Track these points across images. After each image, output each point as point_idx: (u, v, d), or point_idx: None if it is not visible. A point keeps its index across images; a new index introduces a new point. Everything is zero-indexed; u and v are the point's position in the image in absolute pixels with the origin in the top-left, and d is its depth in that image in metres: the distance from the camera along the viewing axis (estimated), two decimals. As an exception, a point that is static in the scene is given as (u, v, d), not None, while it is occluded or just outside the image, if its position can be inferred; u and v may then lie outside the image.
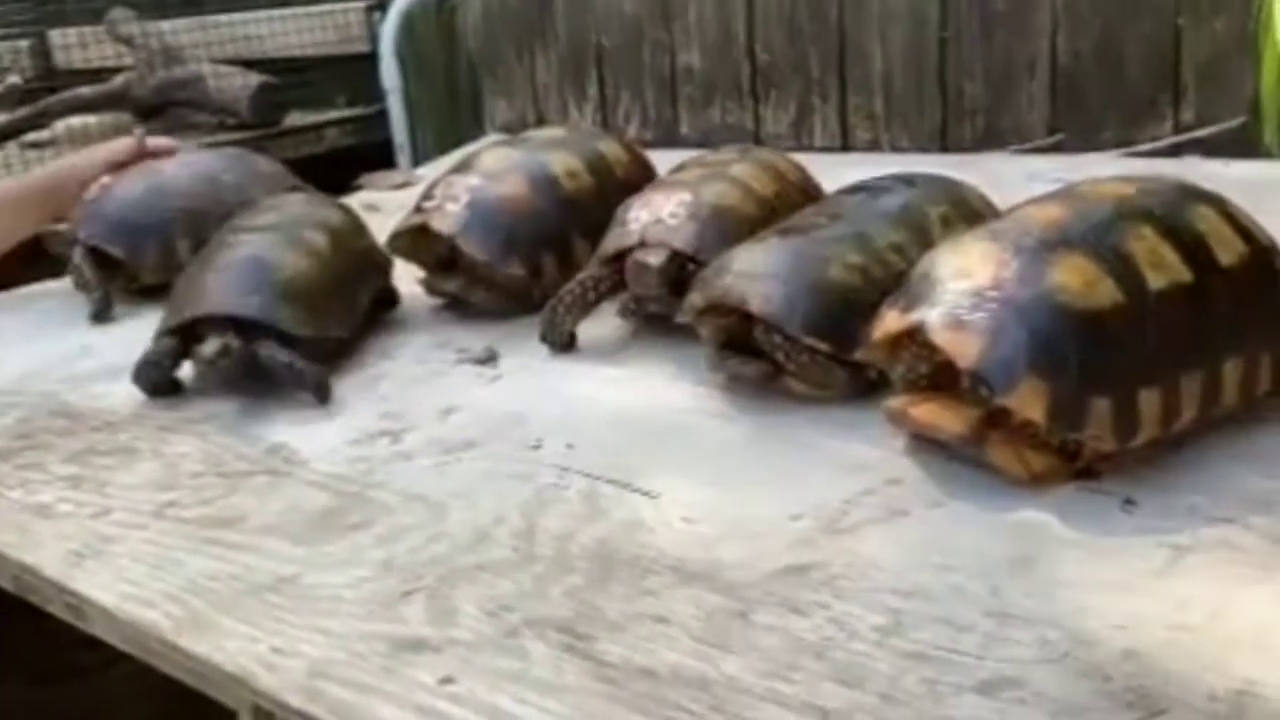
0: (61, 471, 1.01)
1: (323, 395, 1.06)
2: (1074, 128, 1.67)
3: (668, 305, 1.09)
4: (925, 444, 0.85)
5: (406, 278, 1.31)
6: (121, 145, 1.54)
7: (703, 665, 0.65)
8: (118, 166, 1.49)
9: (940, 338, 0.78)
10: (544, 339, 1.15)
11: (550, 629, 0.70)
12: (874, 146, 1.89)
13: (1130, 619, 0.65)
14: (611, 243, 1.15)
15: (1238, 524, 0.72)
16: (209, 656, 0.71)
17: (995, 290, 0.78)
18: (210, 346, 1.05)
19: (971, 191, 1.08)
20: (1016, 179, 1.45)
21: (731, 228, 1.11)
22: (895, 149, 1.86)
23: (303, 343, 1.08)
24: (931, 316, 0.79)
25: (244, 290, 1.09)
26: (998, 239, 0.81)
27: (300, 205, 1.28)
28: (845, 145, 1.92)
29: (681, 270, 1.09)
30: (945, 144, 1.80)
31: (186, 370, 1.12)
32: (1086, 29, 1.63)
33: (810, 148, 1.92)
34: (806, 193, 1.21)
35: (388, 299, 1.29)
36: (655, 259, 1.10)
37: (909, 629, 0.66)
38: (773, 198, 1.16)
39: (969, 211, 1.03)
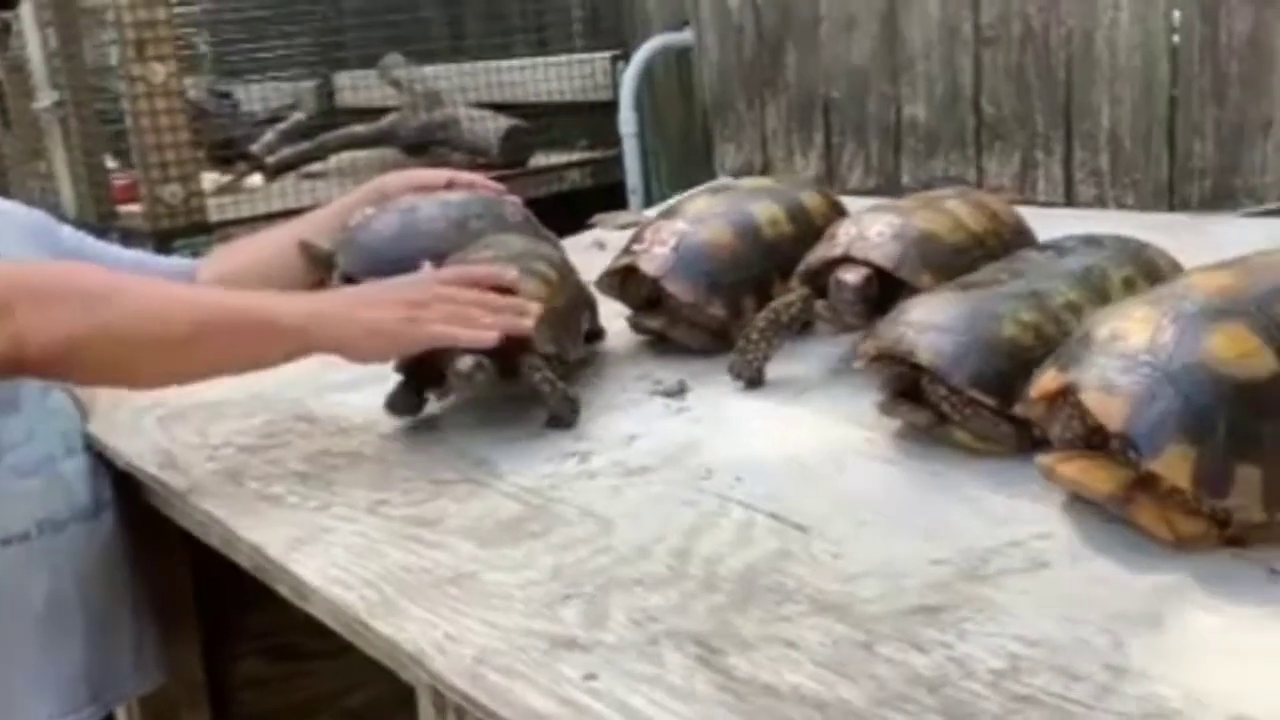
0: (296, 468, 1.15)
1: (572, 413, 1.13)
2: (1310, 192, 1.61)
3: (865, 320, 1.13)
4: (1082, 503, 0.87)
5: (615, 315, 1.40)
6: (395, 179, 1.63)
7: (820, 688, 0.70)
8: (386, 196, 1.58)
9: (1090, 399, 0.81)
10: (734, 374, 1.22)
11: (688, 641, 0.76)
12: (1099, 202, 1.86)
13: (1247, 687, 0.65)
14: (816, 254, 1.21)
15: (1385, 604, 0.71)
16: (393, 636, 0.81)
17: (1149, 355, 0.79)
18: (465, 363, 1.10)
19: (1161, 255, 1.08)
20: (1237, 243, 1.41)
21: (935, 252, 1.16)
22: (1120, 206, 1.83)
23: (548, 361, 1.14)
24: (1084, 377, 0.82)
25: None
26: (1158, 304, 0.83)
27: (521, 242, 1.39)
28: (1069, 200, 1.90)
29: (884, 290, 1.14)
30: (1172, 203, 1.76)
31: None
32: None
33: (1033, 201, 1.92)
34: (1020, 235, 1.24)
35: (595, 332, 1.39)
36: (854, 276, 1.15)
37: (1025, 674, 0.69)
38: (982, 233, 1.21)
39: (1154, 275, 1.04)
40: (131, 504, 1.28)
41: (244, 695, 1.57)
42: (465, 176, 1.72)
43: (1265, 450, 0.76)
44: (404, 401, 1.18)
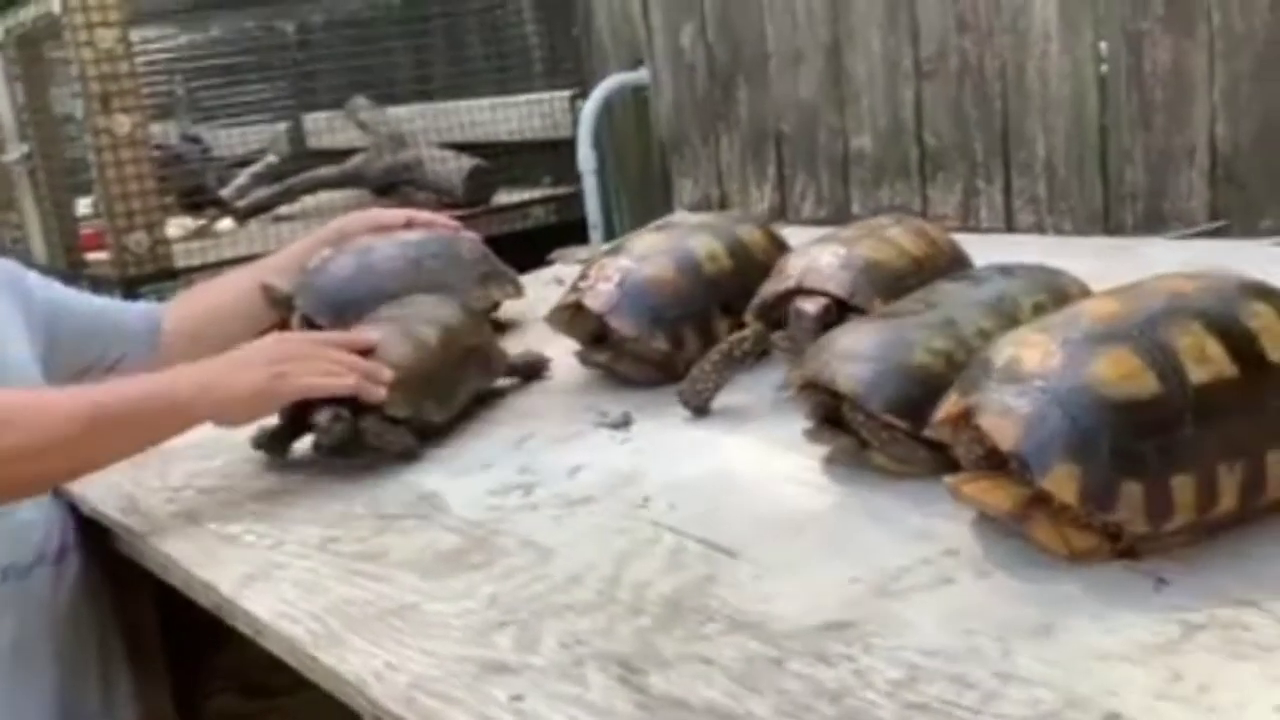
0: (252, 508, 1.19)
1: (407, 457, 1.24)
2: (1236, 214, 1.67)
3: None
4: (989, 520, 0.92)
5: (565, 350, 1.45)
6: (355, 219, 1.70)
7: (731, 702, 0.75)
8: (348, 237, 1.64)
9: (985, 421, 0.86)
10: (683, 401, 1.26)
11: (611, 662, 0.81)
12: (1038, 229, 1.92)
13: (1123, 686, 0.70)
14: (769, 288, 1.27)
15: (1257, 607, 0.76)
16: (335, 667, 0.86)
17: (1040, 379, 0.85)
18: (324, 416, 1.21)
19: (1073, 282, 1.14)
20: (1165, 265, 1.47)
21: (882, 279, 1.22)
22: (1058, 231, 1.89)
23: (400, 421, 1.24)
24: (981, 401, 0.87)
25: None
26: (1050, 331, 0.88)
27: (427, 305, 1.43)
28: (1010, 227, 1.96)
29: (839, 317, 1.20)
30: (1108, 227, 1.82)
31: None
32: (1246, 116, 1.64)
33: (976, 229, 1.97)
34: (956, 260, 1.31)
35: (533, 370, 1.46)
36: (813, 306, 1.21)
37: (920, 683, 0.74)
38: (923, 258, 1.27)
39: (1064, 301, 1.09)
40: (97, 547, 1.32)
41: (217, 733, 1.60)
42: (424, 216, 1.77)
43: (1148, 466, 0.81)
44: (270, 443, 1.29)
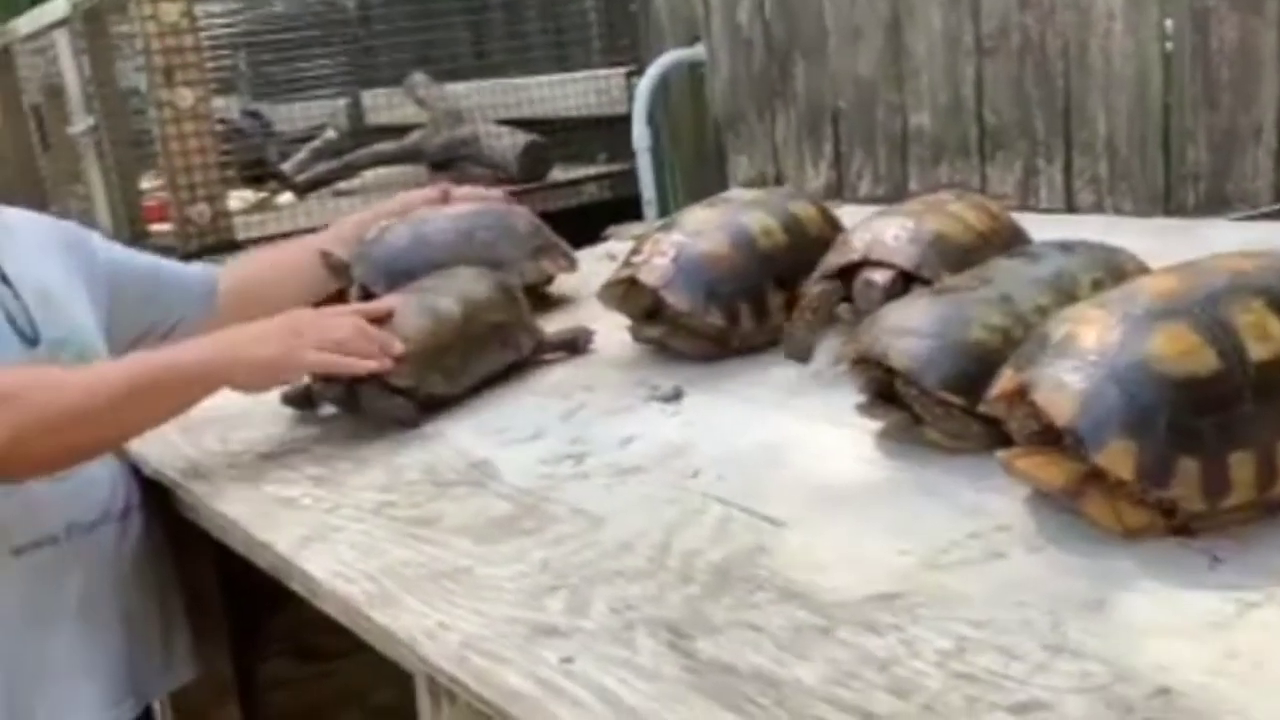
0: (309, 472, 1.21)
1: (405, 425, 1.28)
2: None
3: None
4: (1043, 496, 0.91)
5: (617, 326, 1.46)
6: (417, 195, 1.72)
7: (778, 668, 0.75)
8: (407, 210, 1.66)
9: (1040, 397, 0.85)
10: (789, 356, 1.26)
11: (660, 628, 0.81)
12: (1098, 209, 1.90)
13: (1175, 661, 0.70)
14: (834, 259, 1.27)
15: (1314, 587, 0.75)
16: (388, 625, 0.87)
17: (1096, 355, 0.84)
18: (319, 383, 1.30)
19: (1130, 259, 1.12)
20: (1226, 247, 1.44)
21: (950, 252, 1.22)
22: (1118, 211, 1.87)
23: (401, 391, 1.28)
24: (1037, 377, 0.86)
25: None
26: (1108, 307, 0.87)
27: (461, 279, 1.44)
28: (1070, 207, 1.94)
29: (905, 289, 1.19)
30: (1168, 208, 1.80)
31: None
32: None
33: (1035, 208, 1.95)
34: (1016, 235, 1.30)
35: (571, 345, 1.47)
36: (882, 278, 1.21)
37: (969, 653, 0.74)
38: (987, 232, 1.27)
39: (1122, 279, 1.07)
40: (160, 508, 1.35)
41: (272, 695, 1.63)
42: (477, 191, 1.79)
43: (1205, 443, 0.80)
44: (298, 400, 1.36)
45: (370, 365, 1.24)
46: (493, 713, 0.78)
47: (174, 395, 1.23)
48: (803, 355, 1.25)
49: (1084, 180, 1.90)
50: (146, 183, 2.81)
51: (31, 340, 1.26)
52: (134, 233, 2.69)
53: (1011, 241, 1.27)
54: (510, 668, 0.79)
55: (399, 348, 1.26)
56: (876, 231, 1.25)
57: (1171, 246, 1.24)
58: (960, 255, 1.21)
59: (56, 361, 1.27)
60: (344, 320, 1.28)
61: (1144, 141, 1.80)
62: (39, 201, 3.29)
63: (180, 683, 1.41)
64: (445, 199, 1.70)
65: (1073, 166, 1.92)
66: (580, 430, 1.22)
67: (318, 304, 1.56)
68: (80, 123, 2.77)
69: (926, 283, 1.20)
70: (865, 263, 1.24)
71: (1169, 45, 1.75)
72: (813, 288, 1.27)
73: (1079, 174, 1.91)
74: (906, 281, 1.21)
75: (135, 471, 1.34)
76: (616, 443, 1.17)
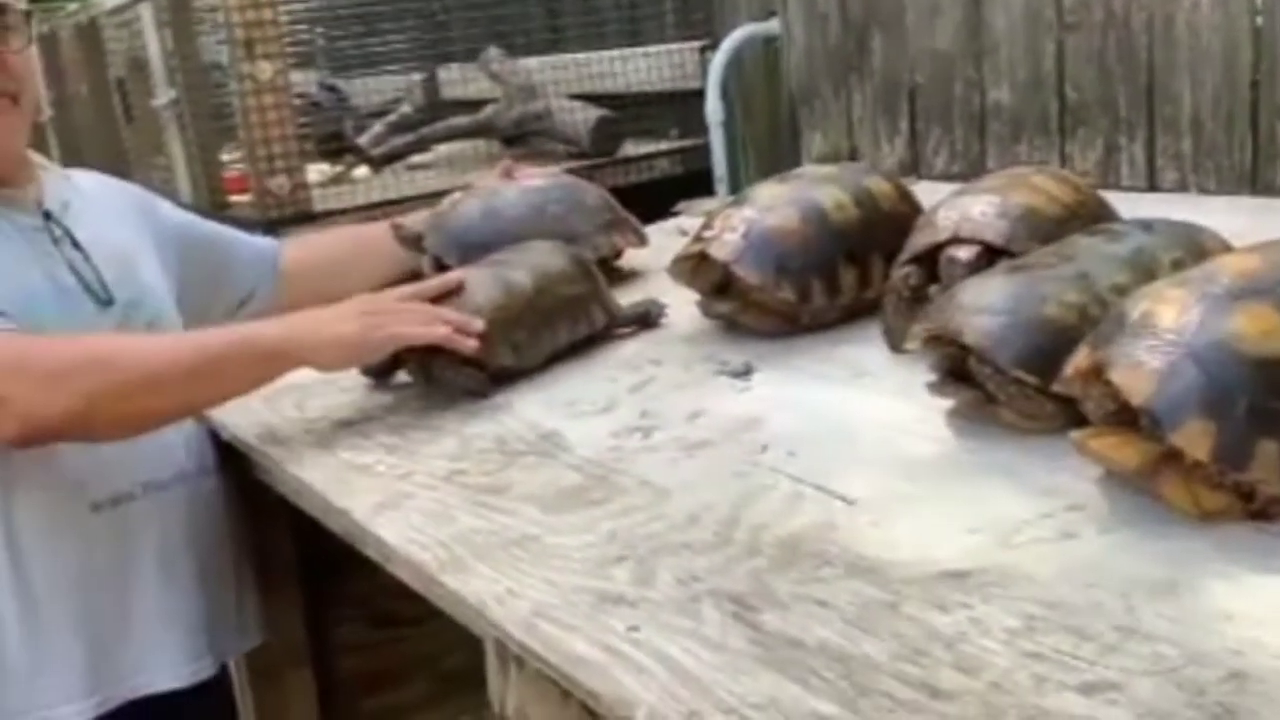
0: (383, 440, 1.23)
1: (476, 395, 1.30)
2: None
3: None
4: (1117, 477, 0.90)
5: (686, 301, 1.46)
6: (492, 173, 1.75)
7: (845, 643, 0.75)
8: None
9: (1117, 376, 0.84)
10: (892, 348, 1.24)
11: (726, 600, 0.82)
12: (1181, 187, 1.85)
13: (1249, 646, 0.69)
14: (920, 239, 1.25)
15: (1398, 575, 0.73)
16: (459, 590, 0.89)
17: (1174, 334, 0.83)
18: (404, 359, 1.31)
19: (1213, 238, 1.10)
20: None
21: (1040, 226, 1.19)
22: (1202, 190, 1.82)
23: (471, 362, 1.29)
24: (1113, 355, 0.85)
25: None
26: (1187, 285, 0.86)
27: (535, 253, 1.45)
28: (1151, 185, 1.90)
29: (991, 264, 1.18)
30: (1255, 187, 1.75)
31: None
32: None
33: (1116, 186, 1.91)
34: (1103, 208, 1.28)
35: (643, 319, 1.47)
36: (966, 253, 1.19)
37: (1038, 633, 0.73)
38: (1075, 205, 1.24)
39: (1204, 258, 1.05)
40: (236, 472, 1.38)
41: (345, 659, 1.66)
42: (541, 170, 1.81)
43: (1286, 426, 0.79)
44: (376, 372, 1.38)
45: (447, 332, 1.26)
46: (560, 678, 0.79)
47: (252, 370, 1.25)
48: (896, 342, 1.23)
49: (1167, 158, 1.86)
50: (226, 155, 2.86)
51: (105, 302, 1.29)
52: (214, 203, 2.74)
53: (1099, 215, 1.25)
54: (577, 635, 0.80)
55: (479, 325, 1.28)
56: (963, 209, 1.23)
57: (1259, 226, 1.21)
58: (1049, 229, 1.18)
59: (130, 323, 1.30)
60: (417, 306, 1.30)
61: (1231, 118, 1.76)
62: (122, 173, 3.35)
63: (254, 644, 1.45)
64: (510, 177, 1.71)
65: (1156, 144, 1.87)
66: (649, 404, 1.22)
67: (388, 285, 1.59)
68: (163, 95, 2.83)
69: (1014, 258, 1.18)
70: (954, 240, 1.22)
71: (1259, 20, 1.70)
72: (899, 271, 1.26)
73: (1162, 151, 1.87)
74: (991, 257, 1.19)
75: (212, 435, 1.37)
76: (684, 417, 1.17)
